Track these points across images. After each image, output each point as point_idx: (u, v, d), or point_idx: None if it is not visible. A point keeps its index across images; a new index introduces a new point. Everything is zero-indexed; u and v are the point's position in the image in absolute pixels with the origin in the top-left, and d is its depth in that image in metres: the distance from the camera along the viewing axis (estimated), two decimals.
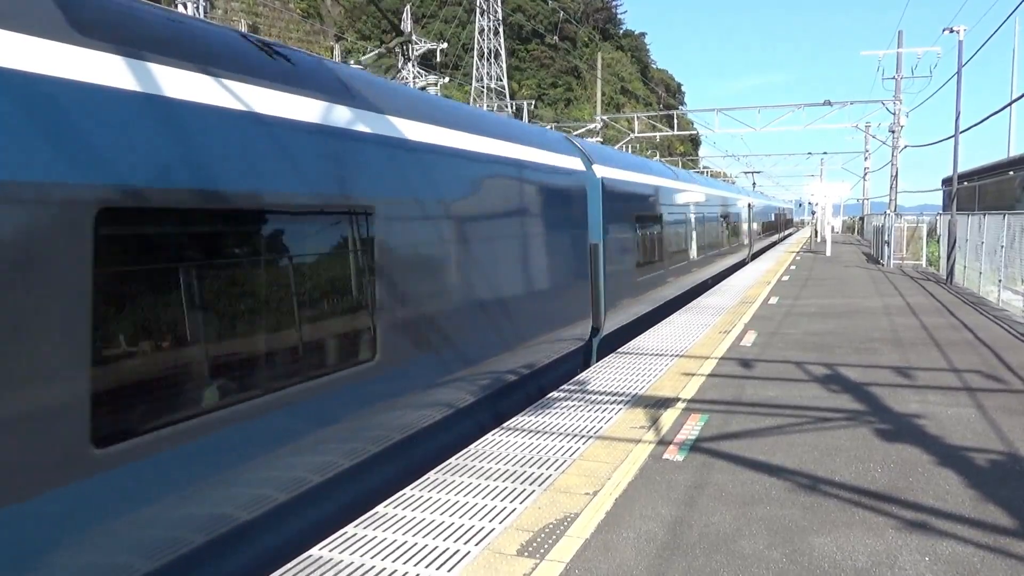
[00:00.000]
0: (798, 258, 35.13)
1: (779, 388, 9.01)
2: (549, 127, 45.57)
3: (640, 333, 13.62)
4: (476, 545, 4.94)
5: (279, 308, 5.29)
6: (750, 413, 7.90)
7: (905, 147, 33.87)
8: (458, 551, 4.87)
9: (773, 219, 55.09)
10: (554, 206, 10.46)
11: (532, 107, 51.68)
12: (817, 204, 48.12)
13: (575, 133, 44.42)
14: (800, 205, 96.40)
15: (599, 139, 42.23)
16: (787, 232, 71.65)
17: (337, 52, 52.76)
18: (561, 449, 6.86)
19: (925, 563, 4.55)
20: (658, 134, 47.88)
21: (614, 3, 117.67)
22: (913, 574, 4.43)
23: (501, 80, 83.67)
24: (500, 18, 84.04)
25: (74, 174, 3.81)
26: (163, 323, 4.40)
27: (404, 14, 51.74)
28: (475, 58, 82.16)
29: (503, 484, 6.04)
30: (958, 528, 5.03)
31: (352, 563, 4.73)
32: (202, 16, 15.87)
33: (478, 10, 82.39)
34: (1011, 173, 34.55)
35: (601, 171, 12.64)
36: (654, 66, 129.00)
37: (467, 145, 8.14)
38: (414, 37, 48.15)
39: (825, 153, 61.55)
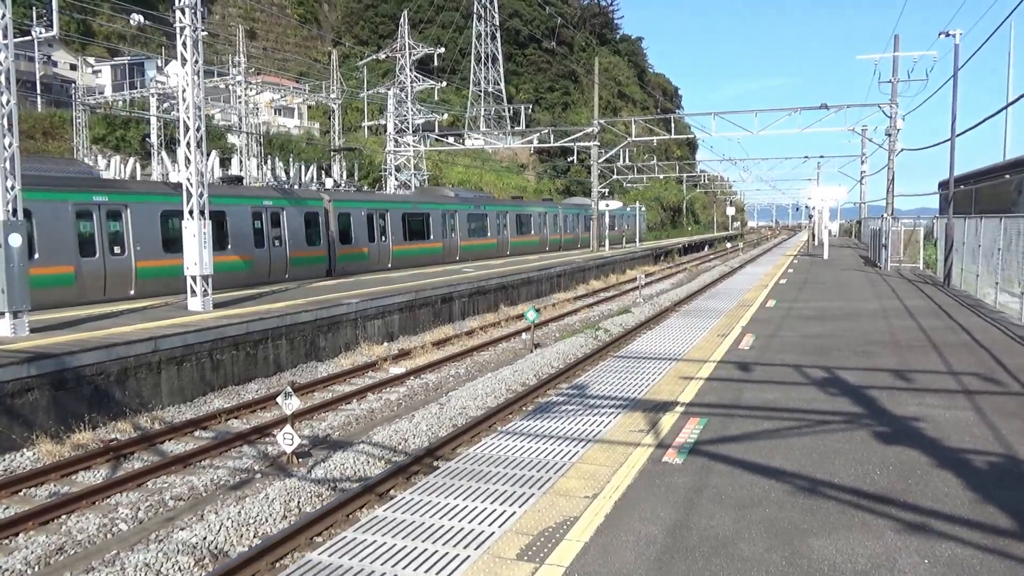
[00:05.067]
0: (795, 262, 35.17)
1: (777, 391, 9.01)
2: (546, 130, 45.70)
3: None
4: (476, 549, 4.93)
5: None
6: (749, 416, 7.90)
7: (902, 150, 33.99)
8: (458, 555, 4.86)
9: None
10: None
11: (529, 111, 51.75)
12: (814, 208, 48.22)
13: (572, 137, 44.45)
14: (797, 209, 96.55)
15: (597, 143, 42.26)
16: None
17: (335, 57, 52.77)
18: (560, 452, 6.86)
19: (924, 565, 4.55)
20: (655, 138, 47.93)
21: (611, 8, 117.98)
22: None
23: (499, 84, 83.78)
24: (497, 23, 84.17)
25: None
26: None
27: (402, 19, 51.81)
28: (472, 63, 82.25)
29: (502, 487, 6.03)
30: (957, 530, 5.04)
31: (352, 568, 4.73)
32: (199, 22, 15.81)
33: (475, 15, 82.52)
34: (1007, 176, 34.60)
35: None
36: (651, 70, 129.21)
37: None
38: (411, 42, 48.20)
39: (822, 157, 61.44)
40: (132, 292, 17.98)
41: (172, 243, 18.20)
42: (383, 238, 27.91)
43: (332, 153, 46.75)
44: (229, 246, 20.74)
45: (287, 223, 22.91)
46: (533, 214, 42.55)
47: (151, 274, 18.29)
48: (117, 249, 17.66)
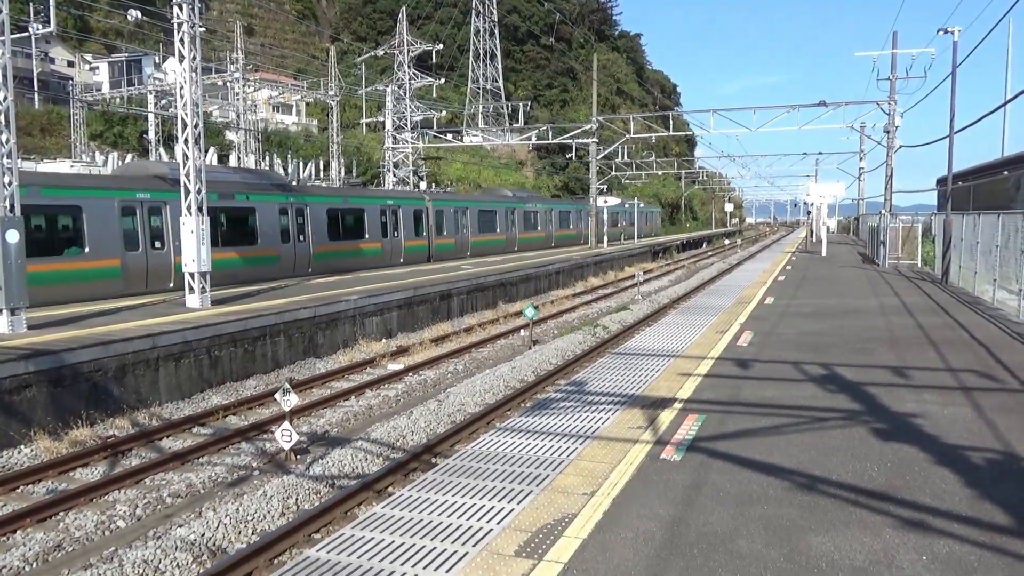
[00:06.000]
0: (794, 258, 35.19)
1: (776, 388, 9.02)
2: (544, 127, 45.70)
3: None
4: (474, 546, 4.93)
5: None
6: (747, 413, 7.91)
7: (900, 147, 33.94)
8: (456, 552, 4.86)
9: None
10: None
11: (528, 108, 51.72)
12: (812, 204, 48.25)
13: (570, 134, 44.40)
14: (795, 205, 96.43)
15: (595, 140, 42.22)
16: None
17: (332, 53, 52.69)
18: (558, 449, 6.86)
19: (923, 562, 4.56)
20: (653, 135, 47.91)
21: (609, 4, 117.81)
22: (911, 573, 4.44)
23: (497, 81, 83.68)
24: (496, 19, 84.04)
25: None
26: None
27: (400, 15, 51.71)
28: (471, 59, 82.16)
29: (500, 484, 6.03)
30: (955, 527, 5.04)
31: (350, 564, 4.73)
32: (197, 18, 15.76)
33: (474, 11, 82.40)
34: (1005, 173, 34.65)
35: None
36: (649, 67, 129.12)
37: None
38: (409, 38, 48.12)
39: (820, 153, 61.56)
40: (310, 270, 23.27)
41: (337, 232, 24.86)
42: (465, 231, 33.73)
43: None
44: (367, 236, 26.50)
45: (402, 218, 28.61)
46: (572, 211, 48.07)
47: (319, 257, 23.80)
48: (301, 237, 23.08)
